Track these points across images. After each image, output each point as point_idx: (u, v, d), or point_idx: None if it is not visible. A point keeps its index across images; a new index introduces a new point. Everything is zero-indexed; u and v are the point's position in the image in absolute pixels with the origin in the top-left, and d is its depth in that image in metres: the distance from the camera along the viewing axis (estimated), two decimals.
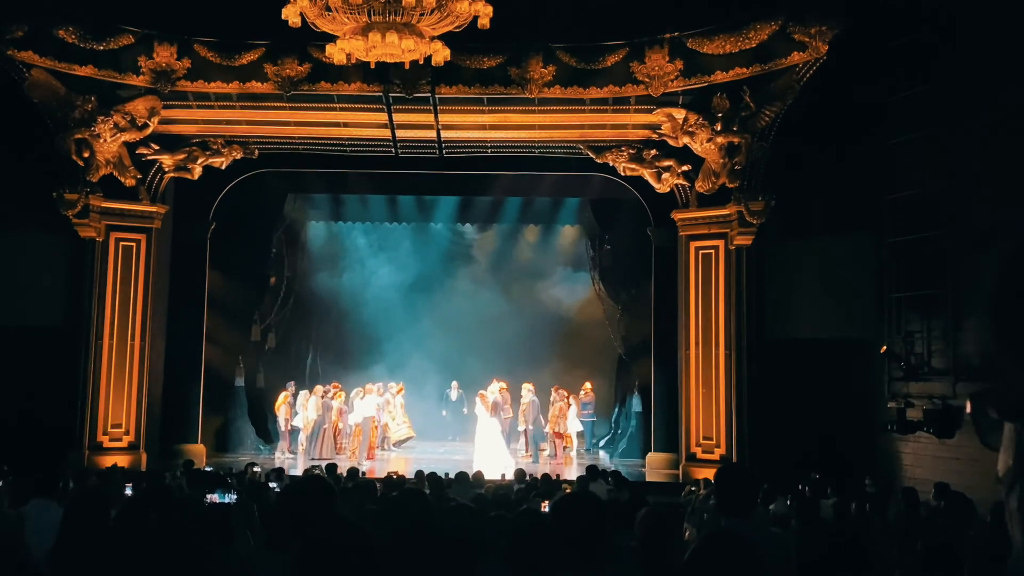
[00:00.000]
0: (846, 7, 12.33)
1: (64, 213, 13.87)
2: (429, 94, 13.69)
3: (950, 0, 11.60)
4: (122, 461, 13.59)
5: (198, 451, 15.20)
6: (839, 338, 13.47)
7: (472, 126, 14.72)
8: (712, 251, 14.40)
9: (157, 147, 14.62)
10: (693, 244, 14.57)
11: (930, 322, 12.04)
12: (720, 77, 13.40)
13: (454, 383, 19.58)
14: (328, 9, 9.60)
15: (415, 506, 3.56)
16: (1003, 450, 2.56)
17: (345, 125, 14.86)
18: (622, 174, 14.95)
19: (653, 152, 14.50)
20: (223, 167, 15.19)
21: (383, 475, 11.52)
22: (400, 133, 14.89)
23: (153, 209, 14.85)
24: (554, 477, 11.63)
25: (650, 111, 14.02)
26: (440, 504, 5.20)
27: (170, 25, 13.54)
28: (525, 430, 17.58)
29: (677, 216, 14.69)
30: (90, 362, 14.19)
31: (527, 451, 17.48)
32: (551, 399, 17.59)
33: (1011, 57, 10.78)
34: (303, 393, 17.48)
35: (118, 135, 14.02)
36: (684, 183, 14.51)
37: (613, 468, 13.22)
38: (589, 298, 20.01)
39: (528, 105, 13.95)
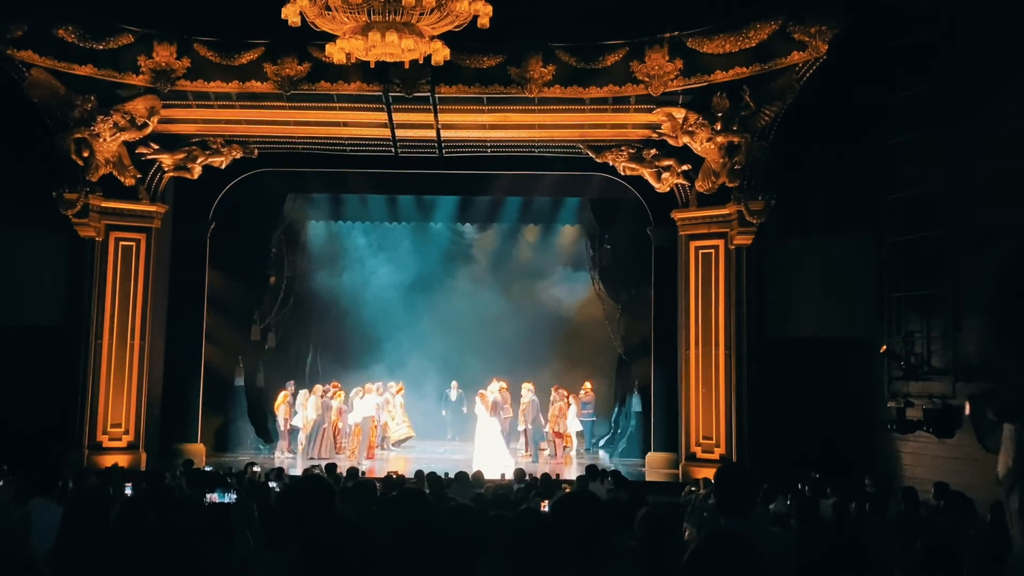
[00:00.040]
0: (846, 6, 12.32)
1: (64, 212, 13.87)
2: (429, 94, 13.68)
3: (950, 0, 11.60)
4: (122, 461, 13.60)
5: (198, 451, 15.20)
6: (839, 338, 13.46)
7: (472, 126, 14.71)
8: (712, 251, 14.39)
9: (157, 146, 14.61)
10: (693, 244, 14.57)
11: (930, 322, 12.05)
12: (720, 76, 13.39)
13: (453, 383, 19.58)
14: (328, 8, 9.59)
15: (415, 506, 3.56)
16: (1003, 452, 2.57)
17: (345, 125, 14.85)
18: (622, 174, 14.95)
19: (653, 152, 14.49)
20: (223, 167, 15.18)
21: (383, 475, 11.52)
22: (400, 133, 14.88)
23: (153, 209, 14.84)
24: (554, 477, 11.62)
25: (650, 111, 14.01)
26: (440, 504, 5.20)
27: (170, 24, 13.53)
28: (525, 430, 17.58)
29: (677, 216, 14.69)
30: (89, 362, 14.18)
31: (527, 451, 17.48)
32: (551, 399, 17.59)
33: (1011, 57, 10.79)
34: (302, 392, 17.48)
35: (118, 135, 14.02)
36: (684, 183, 14.51)
37: (613, 468, 13.22)
38: (589, 298, 20.01)
39: (528, 104, 13.95)
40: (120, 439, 14.37)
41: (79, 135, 13.75)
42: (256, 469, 11.40)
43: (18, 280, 14.01)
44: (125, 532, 4.03)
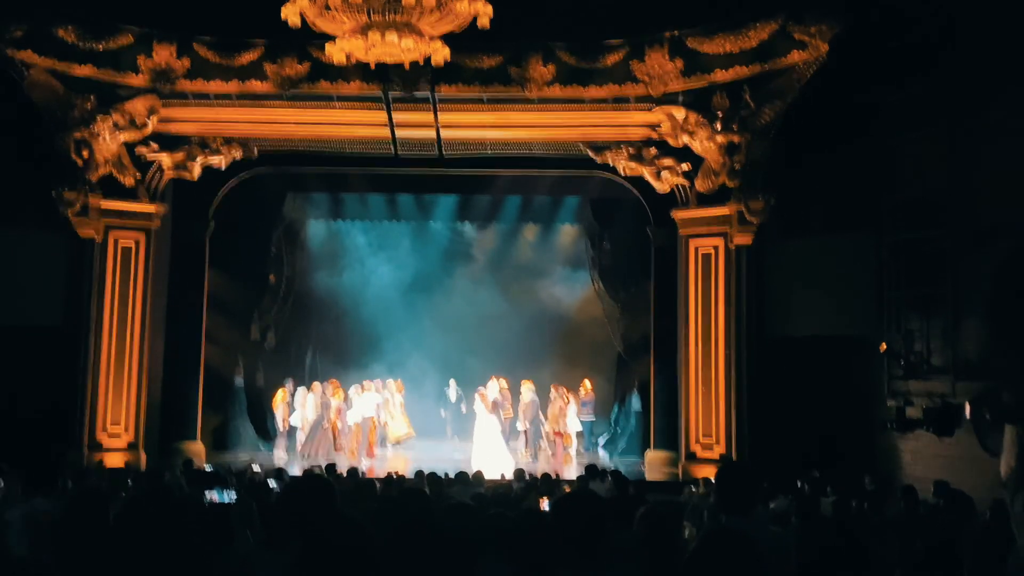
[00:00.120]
0: (846, 6, 12.33)
1: (63, 212, 13.86)
2: (429, 93, 13.69)
3: (950, 0, 11.60)
4: (121, 460, 13.62)
5: (197, 450, 15.19)
6: (839, 336, 13.47)
7: (472, 125, 14.71)
8: (712, 250, 14.39)
9: (156, 146, 14.60)
10: (693, 243, 14.57)
11: (929, 321, 12.06)
12: (720, 76, 13.40)
13: (452, 382, 19.57)
14: (327, 8, 9.59)
15: (415, 505, 3.56)
16: (1005, 453, 2.57)
17: (345, 125, 14.85)
18: (622, 173, 14.94)
19: (653, 151, 14.50)
20: (222, 166, 15.17)
21: (383, 474, 11.53)
22: (400, 132, 14.88)
23: (152, 208, 14.84)
24: (554, 476, 11.63)
25: (650, 110, 14.01)
26: (440, 503, 5.20)
27: (169, 24, 13.53)
28: (525, 429, 17.58)
29: (677, 215, 14.69)
30: (89, 361, 14.17)
31: (527, 450, 17.49)
32: (551, 398, 17.59)
33: (1011, 57, 10.80)
34: (301, 391, 17.48)
35: (117, 134, 14.01)
36: (684, 182, 14.51)
37: (613, 467, 13.23)
38: (589, 297, 20.01)
39: (528, 104, 13.95)
40: (120, 438, 14.36)
41: (79, 135, 13.74)
42: (256, 468, 11.40)
43: (18, 280, 13.99)
44: (124, 532, 4.03)
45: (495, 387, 17.71)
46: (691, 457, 14.21)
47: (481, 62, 13.37)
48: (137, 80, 13.75)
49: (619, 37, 13.45)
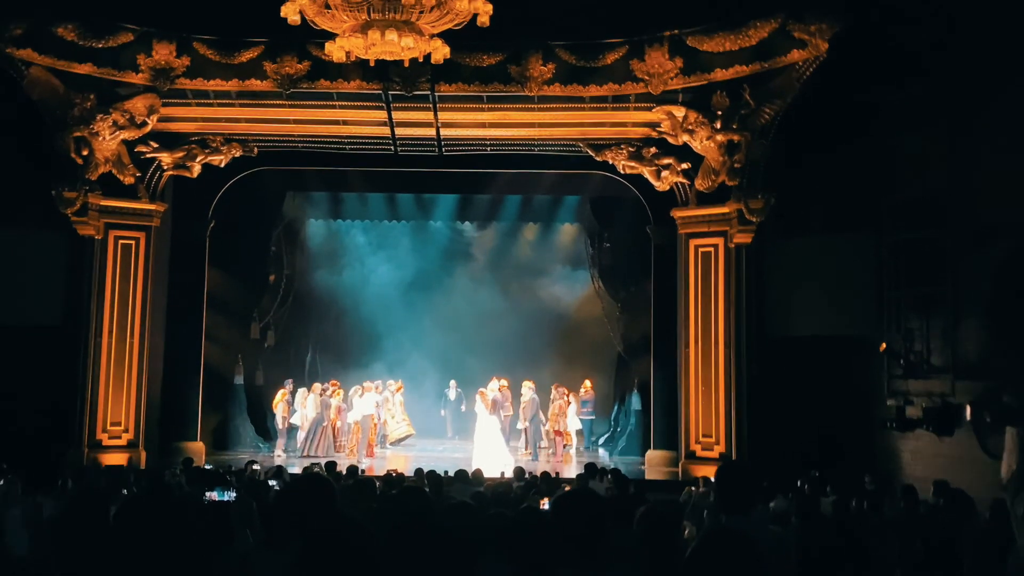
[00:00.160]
0: (846, 5, 12.31)
1: (63, 211, 13.84)
2: (428, 92, 13.67)
3: (950, 0, 11.59)
4: (121, 459, 13.61)
5: (197, 449, 15.20)
6: (839, 336, 13.47)
7: (471, 124, 14.71)
8: (712, 249, 14.39)
9: (156, 145, 14.60)
10: (693, 242, 14.56)
11: (929, 320, 12.06)
12: (720, 75, 13.39)
13: (452, 382, 19.57)
14: (327, 7, 9.57)
15: (415, 504, 3.56)
16: (1006, 455, 2.57)
17: (344, 123, 14.85)
18: (622, 172, 14.94)
19: (653, 150, 14.49)
20: (222, 165, 15.17)
21: (383, 473, 11.52)
22: (399, 131, 14.88)
23: (152, 207, 14.83)
24: (554, 475, 11.62)
25: (650, 109, 14.00)
26: (440, 502, 5.20)
27: (169, 23, 13.51)
28: (525, 428, 17.58)
29: (676, 214, 14.69)
30: (89, 360, 14.17)
31: (527, 449, 17.48)
32: (551, 397, 17.60)
33: (1011, 57, 10.79)
34: (301, 391, 17.48)
35: (117, 133, 14.00)
36: (684, 181, 14.50)
37: (612, 466, 13.23)
38: (588, 296, 20.01)
39: (528, 103, 13.94)
40: (120, 437, 14.36)
41: (78, 133, 13.74)
42: (256, 468, 11.40)
43: (18, 279, 13.99)
44: (124, 531, 4.03)
45: (495, 387, 17.70)
46: (691, 456, 14.21)
47: (481, 61, 13.35)
48: (137, 79, 13.74)
49: (619, 36, 13.42)
